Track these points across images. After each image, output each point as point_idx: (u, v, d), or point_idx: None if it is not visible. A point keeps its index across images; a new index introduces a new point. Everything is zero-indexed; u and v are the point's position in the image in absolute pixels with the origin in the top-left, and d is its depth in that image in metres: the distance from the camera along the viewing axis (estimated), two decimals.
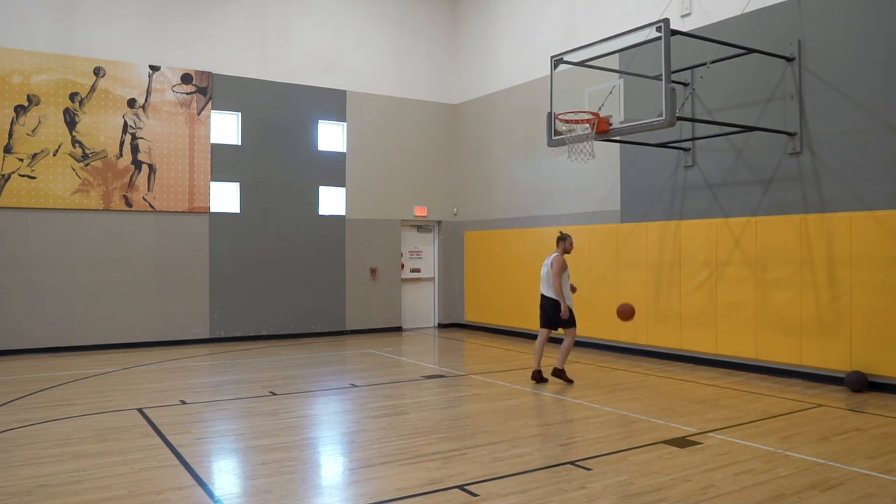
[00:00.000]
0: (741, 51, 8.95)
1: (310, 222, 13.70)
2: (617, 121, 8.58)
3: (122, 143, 12.00)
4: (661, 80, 7.88)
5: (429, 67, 15.21)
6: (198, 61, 12.69)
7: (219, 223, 12.81)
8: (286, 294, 13.37)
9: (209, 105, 12.74)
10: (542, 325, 8.88)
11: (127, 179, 12.02)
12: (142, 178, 12.13)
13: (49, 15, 11.47)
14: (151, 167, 12.22)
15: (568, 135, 8.92)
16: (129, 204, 12.01)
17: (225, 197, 13.02)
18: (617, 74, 9.72)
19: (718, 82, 9.74)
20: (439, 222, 15.40)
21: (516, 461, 5.36)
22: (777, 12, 9.14)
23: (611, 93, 8.92)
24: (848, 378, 8.07)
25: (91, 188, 11.72)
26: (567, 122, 8.86)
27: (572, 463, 5.31)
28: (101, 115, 11.82)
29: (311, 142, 13.78)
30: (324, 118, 13.93)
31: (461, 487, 4.74)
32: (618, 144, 11.04)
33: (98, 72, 11.81)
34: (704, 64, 9.09)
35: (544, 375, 8.81)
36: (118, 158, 11.96)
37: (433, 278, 15.46)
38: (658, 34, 7.94)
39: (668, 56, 7.80)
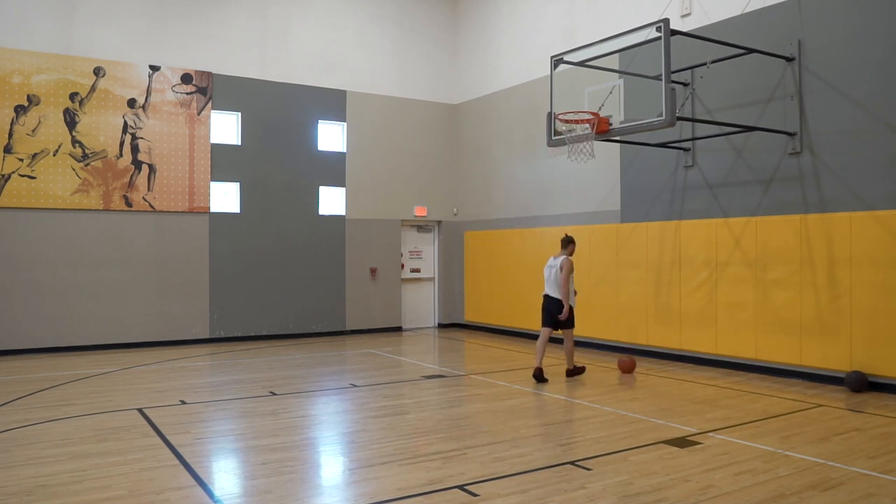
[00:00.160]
0: (741, 51, 8.95)
1: (310, 222, 13.70)
2: (617, 121, 8.58)
3: (122, 143, 12.00)
4: (661, 80, 7.88)
5: (429, 67, 15.21)
6: (198, 61, 12.69)
7: (219, 223, 12.81)
8: (286, 294, 13.37)
9: (209, 105, 12.74)
10: (545, 325, 9.00)
11: (127, 179, 12.02)
12: (142, 178, 12.13)
13: (49, 15, 11.47)
14: (151, 167, 12.22)
15: (568, 135, 8.92)
16: (129, 204, 12.01)
17: (225, 197, 13.02)
18: (617, 74, 9.73)
19: (718, 82, 9.74)
20: (439, 222, 15.40)
21: (516, 461, 5.36)
22: (777, 12, 9.14)
23: (611, 93, 8.92)
24: (848, 378, 8.07)
25: (91, 188, 11.72)
26: (567, 122, 8.86)
27: (572, 463, 5.31)
28: (101, 115, 11.82)
29: (311, 142, 13.78)
30: (324, 118, 13.93)
31: (461, 487, 4.74)
32: (618, 144, 11.04)
33: (98, 72, 11.81)
34: (704, 64, 9.09)
35: (545, 375, 8.83)
36: (118, 158, 11.96)
37: (433, 278, 15.46)
38: (658, 34, 7.94)
39: (668, 56, 7.80)
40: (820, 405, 7.38)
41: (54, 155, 11.45)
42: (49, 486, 4.80)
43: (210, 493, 4.70)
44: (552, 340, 9.84)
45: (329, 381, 8.99)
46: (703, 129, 9.89)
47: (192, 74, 12.60)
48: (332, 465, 5.58)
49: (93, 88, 11.77)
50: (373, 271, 14.33)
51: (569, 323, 8.90)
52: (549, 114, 9.28)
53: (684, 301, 10.13)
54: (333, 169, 14.00)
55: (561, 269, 8.82)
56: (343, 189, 14.10)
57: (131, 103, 12.09)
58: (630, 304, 10.93)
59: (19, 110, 11.22)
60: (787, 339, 8.84)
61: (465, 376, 9.36)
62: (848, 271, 8.23)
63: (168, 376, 9.33)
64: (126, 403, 7.56)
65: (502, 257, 13.73)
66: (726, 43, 8.84)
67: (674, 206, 10.51)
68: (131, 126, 12.08)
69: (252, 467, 5.33)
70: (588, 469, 5.14)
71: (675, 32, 8.07)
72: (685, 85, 10.07)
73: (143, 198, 12.13)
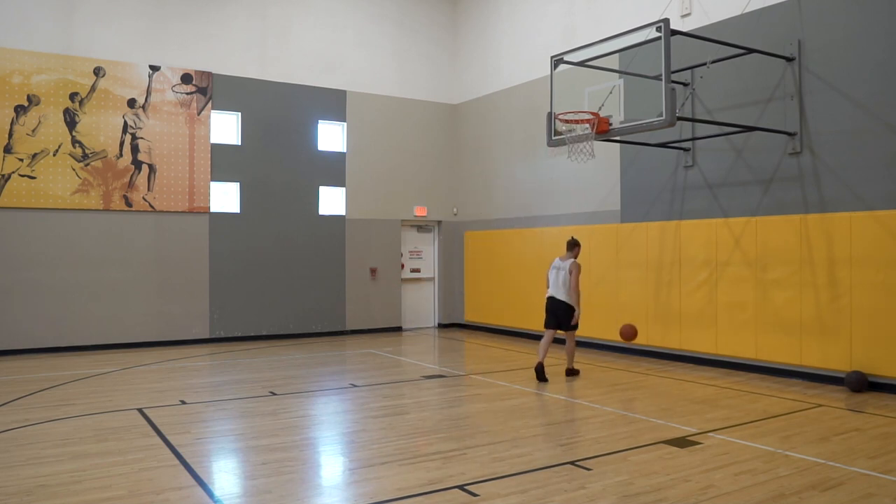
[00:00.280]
0: (741, 51, 8.95)
1: (310, 222, 13.70)
2: (617, 121, 8.58)
3: (122, 143, 12.00)
4: (661, 80, 7.88)
5: (429, 67, 15.21)
6: (198, 61, 12.69)
7: (219, 223, 12.81)
8: (286, 294, 13.37)
9: (209, 105, 12.74)
10: (548, 327, 9.00)
11: (127, 179, 12.02)
12: (142, 178, 12.13)
13: (49, 15, 11.47)
14: (151, 167, 12.22)
15: (568, 135, 8.92)
16: (129, 204, 12.01)
17: (225, 197, 13.02)
18: (617, 74, 9.72)
19: (718, 82, 9.74)
20: (439, 222, 15.40)
21: (516, 461, 5.36)
22: (777, 12, 9.14)
23: (611, 93, 8.92)
24: (848, 378, 8.07)
25: (91, 188, 11.72)
26: (567, 122, 8.86)
27: (572, 463, 5.31)
28: (101, 115, 11.82)
29: (311, 142, 13.78)
30: (324, 118, 13.93)
31: (461, 487, 4.74)
32: (618, 144, 11.04)
33: (98, 72, 11.81)
34: (704, 64, 9.09)
35: (546, 375, 8.83)
36: (118, 158, 11.96)
37: (433, 278, 15.46)
38: (658, 34, 7.94)
39: (668, 56, 7.80)
40: (820, 405, 7.39)
41: (54, 155, 11.45)
42: (49, 486, 4.80)
43: (210, 493, 4.70)
44: (553, 340, 9.84)
45: (329, 381, 8.99)
46: (703, 129, 9.89)
47: (192, 74, 12.60)
48: (332, 465, 5.58)
49: (93, 88, 11.77)
50: (373, 271, 14.33)
51: (573, 324, 8.95)
52: (549, 114, 9.28)
53: (684, 301, 10.13)
54: (333, 169, 14.00)
55: (570, 272, 8.81)
56: (343, 189, 14.10)
57: (131, 103, 12.09)
58: (630, 304, 10.92)
59: (19, 110, 11.22)
60: (787, 339, 8.84)
61: (465, 376, 9.36)
62: (848, 271, 8.23)
63: (168, 376, 9.33)
64: (126, 403, 7.56)
65: (502, 257, 13.73)
66: (726, 43, 8.84)
67: (674, 206, 10.51)
68: (131, 126, 12.08)
69: (252, 467, 5.33)
70: (588, 469, 5.14)
71: (675, 32, 8.07)
72: (685, 85, 10.07)
73: (143, 198, 12.13)
